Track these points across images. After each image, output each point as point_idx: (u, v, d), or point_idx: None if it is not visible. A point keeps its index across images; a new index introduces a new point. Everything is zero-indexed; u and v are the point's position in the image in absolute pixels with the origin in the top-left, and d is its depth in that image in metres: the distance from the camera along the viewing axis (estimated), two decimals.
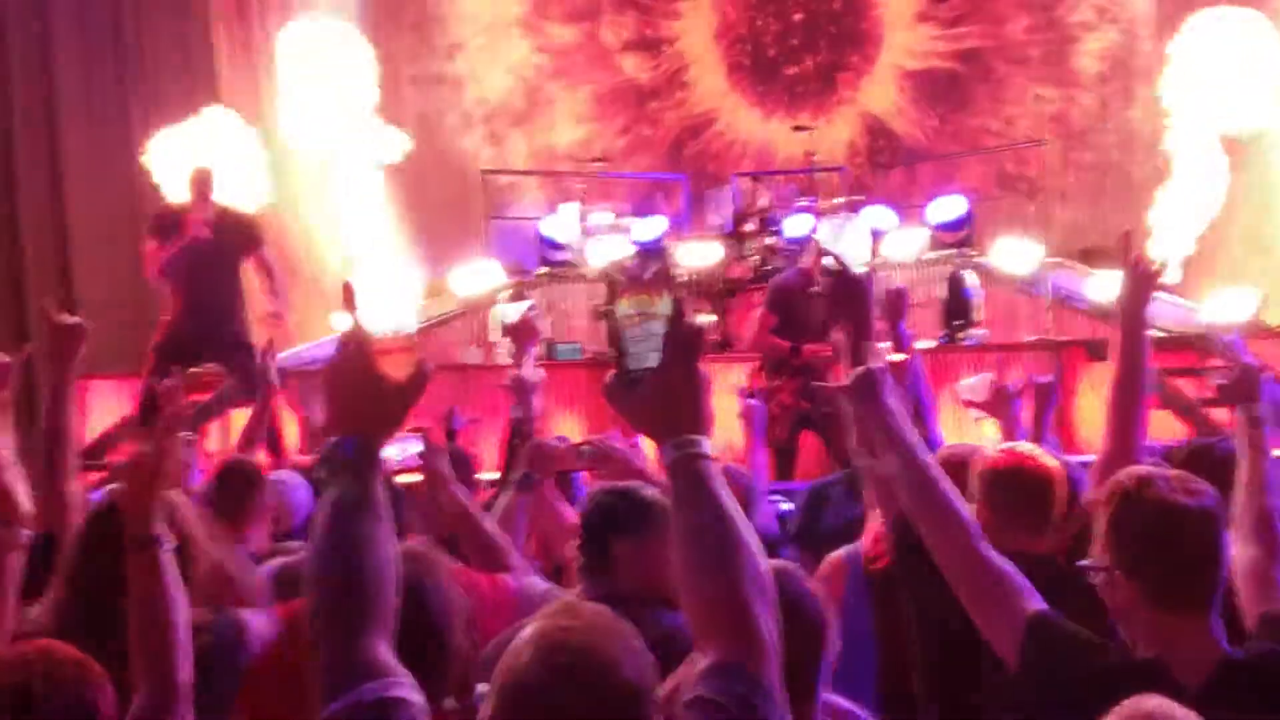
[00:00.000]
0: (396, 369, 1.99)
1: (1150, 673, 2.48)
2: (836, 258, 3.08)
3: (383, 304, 10.13)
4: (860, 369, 3.11)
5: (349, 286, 2.07)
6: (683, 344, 1.98)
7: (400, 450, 4.47)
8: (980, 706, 2.89)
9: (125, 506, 2.77)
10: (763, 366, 8.71)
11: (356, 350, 1.98)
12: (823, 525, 4.72)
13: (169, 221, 8.53)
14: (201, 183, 8.54)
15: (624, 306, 2.06)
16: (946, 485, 2.94)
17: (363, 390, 2.00)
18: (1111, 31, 13.43)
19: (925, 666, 3.35)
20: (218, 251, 8.42)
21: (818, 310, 7.93)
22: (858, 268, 3.56)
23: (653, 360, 1.99)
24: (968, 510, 2.90)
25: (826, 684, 2.70)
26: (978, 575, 2.79)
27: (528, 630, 1.86)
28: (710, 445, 2.01)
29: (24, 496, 3.10)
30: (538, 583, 3.94)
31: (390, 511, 2.01)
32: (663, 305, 2.01)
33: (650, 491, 3.41)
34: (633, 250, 10.88)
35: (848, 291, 3.53)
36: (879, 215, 11.17)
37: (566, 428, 8.62)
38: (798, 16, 13.86)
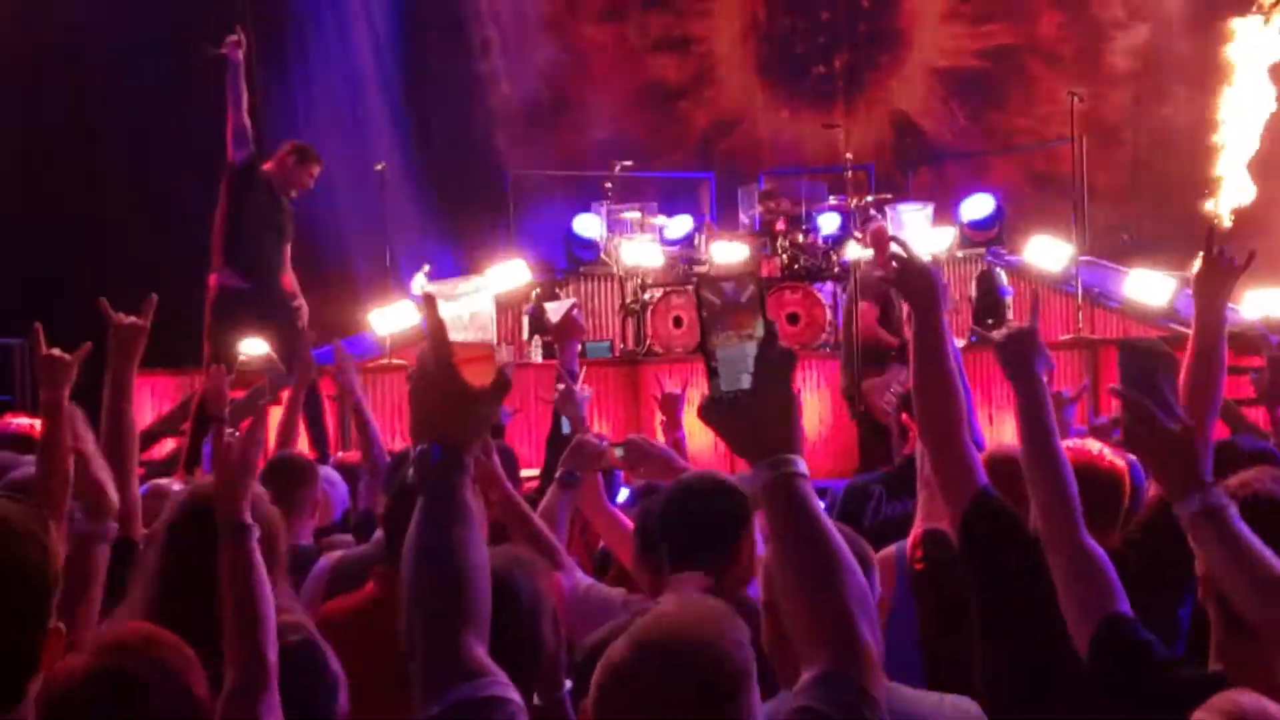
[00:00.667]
0: (478, 377, 2.00)
1: (1211, 690, 2.32)
2: (902, 244, 2.95)
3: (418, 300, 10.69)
4: (1019, 327, 3.16)
5: (430, 296, 2.05)
6: (775, 366, 1.99)
7: None
8: (1046, 701, 2.86)
9: (217, 498, 2.82)
10: (863, 358, 8.70)
11: (439, 359, 1.99)
12: (862, 523, 4.62)
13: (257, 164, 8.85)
14: (302, 151, 8.82)
15: (718, 333, 2.06)
16: (1068, 465, 2.92)
17: (447, 398, 2.00)
18: (1143, 29, 13.36)
19: (990, 663, 3.25)
20: (276, 219, 8.73)
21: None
22: (923, 254, 3.42)
23: (745, 381, 1.99)
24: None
25: None
26: (1077, 561, 2.75)
27: (636, 624, 1.91)
28: (804, 464, 2.02)
29: (112, 490, 3.15)
30: (583, 579, 3.99)
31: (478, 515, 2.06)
32: (756, 328, 2.01)
33: (731, 480, 3.47)
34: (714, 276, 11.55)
35: (913, 277, 3.34)
36: (909, 215, 11.12)
37: (597, 424, 8.75)
38: (825, 15, 13.88)
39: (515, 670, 2.04)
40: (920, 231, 11.01)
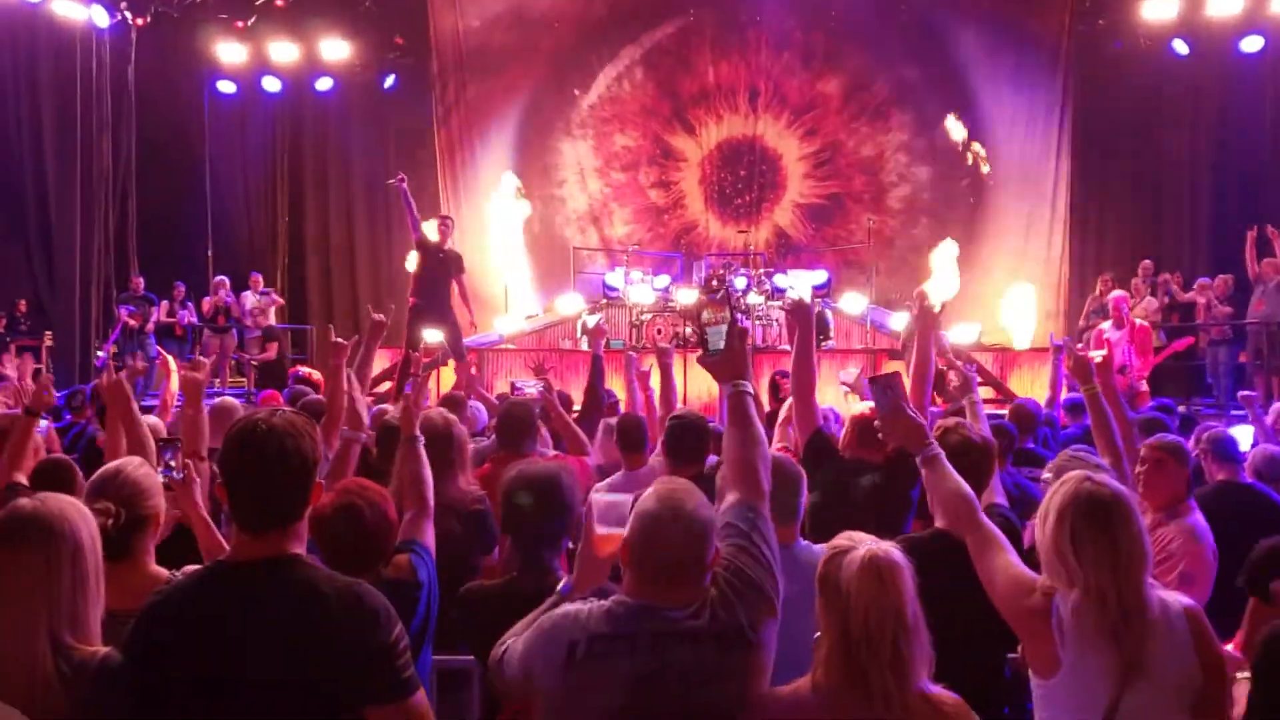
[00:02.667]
0: None
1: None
2: (800, 294, 3.35)
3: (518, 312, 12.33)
4: (1080, 358, 3.67)
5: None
6: (736, 337, 2.35)
7: (529, 387, 5.57)
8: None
9: (401, 422, 3.14)
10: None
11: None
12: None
13: (426, 238, 9.58)
14: (445, 223, 9.99)
15: (706, 315, 2.41)
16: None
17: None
18: (905, 187, 14.82)
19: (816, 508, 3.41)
20: (444, 265, 9.61)
21: None
22: (805, 298, 4.16)
23: (722, 344, 2.35)
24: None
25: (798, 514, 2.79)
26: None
27: (651, 490, 2.12)
28: (750, 386, 2.31)
29: (365, 412, 3.42)
30: (592, 462, 4.51)
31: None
32: (726, 315, 2.37)
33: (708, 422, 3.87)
34: (706, 289, 11.47)
35: (802, 310, 3.80)
36: (781, 280, 12.48)
37: (613, 384, 8.90)
38: (743, 172, 15.03)
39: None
40: (806, 286, 11.96)
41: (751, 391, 2.33)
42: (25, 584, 1.92)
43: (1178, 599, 2.27)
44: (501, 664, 2.14)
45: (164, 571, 2.56)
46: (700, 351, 2.43)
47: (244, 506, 2.01)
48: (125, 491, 2.55)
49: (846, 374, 6.02)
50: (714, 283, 11.66)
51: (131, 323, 11.73)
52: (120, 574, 2.39)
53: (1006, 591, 2.26)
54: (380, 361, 10.91)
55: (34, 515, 1.97)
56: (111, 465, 2.67)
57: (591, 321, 10.76)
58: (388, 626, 1.98)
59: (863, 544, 2.05)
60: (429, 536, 2.82)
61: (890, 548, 2.05)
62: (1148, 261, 12.00)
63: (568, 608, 2.09)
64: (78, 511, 2.03)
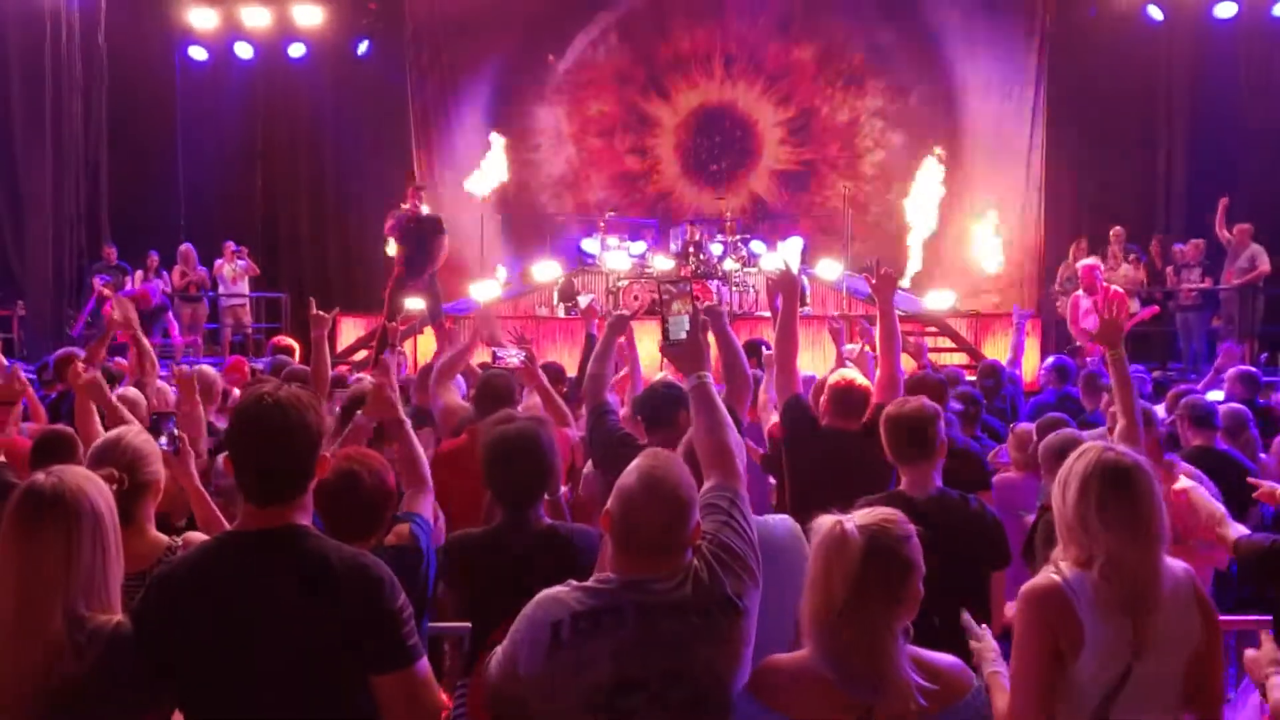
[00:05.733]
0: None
1: None
2: (787, 264, 4.00)
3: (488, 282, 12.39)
4: (1112, 320, 3.50)
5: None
6: (698, 328, 2.51)
7: (508, 355, 5.45)
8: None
9: (380, 408, 3.13)
10: None
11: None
12: None
13: (402, 216, 10.04)
14: (417, 194, 10.37)
15: (672, 302, 2.54)
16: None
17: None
18: (880, 153, 15.01)
19: (789, 469, 3.71)
20: (421, 230, 10.00)
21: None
22: (793, 266, 4.14)
23: (683, 334, 2.48)
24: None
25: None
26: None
27: (633, 464, 2.12)
28: (710, 377, 2.41)
29: (399, 404, 3.14)
30: (575, 434, 4.59)
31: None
32: (688, 307, 2.51)
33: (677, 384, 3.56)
34: (668, 278, 10.98)
35: (787, 279, 3.92)
36: (756, 246, 12.83)
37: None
38: (718, 138, 15.27)
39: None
40: (795, 254, 12.28)
41: (711, 382, 2.42)
42: (45, 561, 1.96)
43: (1179, 565, 2.30)
44: (490, 667, 2.14)
45: (164, 537, 2.64)
46: (662, 341, 2.52)
47: (251, 479, 2.04)
48: (127, 458, 2.61)
49: (849, 349, 6.20)
50: (678, 273, 11.86)
51: (106, 292, 11.64)
52: (123, 540, 2.39)
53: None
54: (355, 330, 11.59)
55: (54, 493, 2.00)
56: (112, 433, 2.75)
57: (584, 301, 10.93)
58: (392, 596, 2.01)
59: (845, 521, 2.06)
60: (428, 510, 2.88)
61: (851, 522, 2.04)
62: (1119, 228, 12.18)
63: (548, 590, 2.10)
64: (94, 484, 2.06)
